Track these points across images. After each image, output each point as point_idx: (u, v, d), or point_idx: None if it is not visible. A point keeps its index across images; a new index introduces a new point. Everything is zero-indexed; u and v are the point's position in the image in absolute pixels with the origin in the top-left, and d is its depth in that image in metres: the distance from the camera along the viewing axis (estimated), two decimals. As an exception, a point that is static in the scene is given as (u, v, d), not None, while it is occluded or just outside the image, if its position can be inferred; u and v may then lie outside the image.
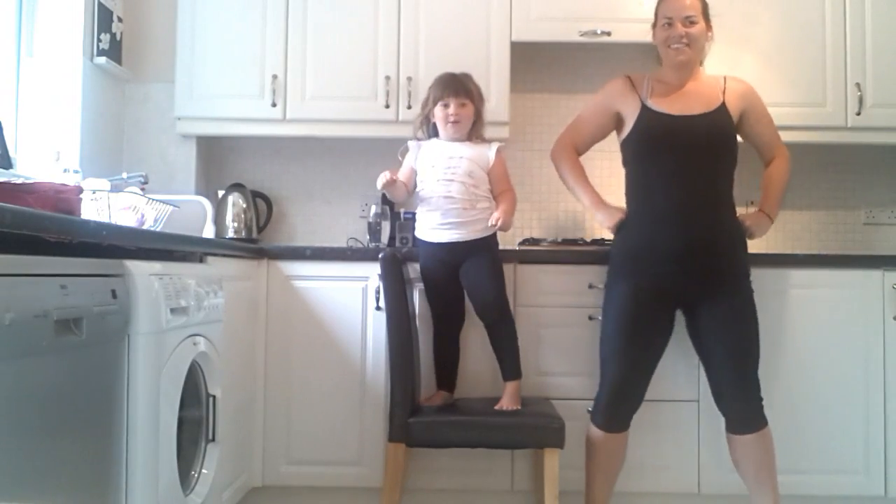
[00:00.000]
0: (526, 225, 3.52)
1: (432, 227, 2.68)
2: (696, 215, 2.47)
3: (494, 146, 2.72)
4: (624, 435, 2.56)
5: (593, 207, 2.69)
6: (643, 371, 2.53)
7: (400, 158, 2.79)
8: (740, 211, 2.61)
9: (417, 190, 2.74)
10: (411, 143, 2.77)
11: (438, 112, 2.69)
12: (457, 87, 2.69)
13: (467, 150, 2.69)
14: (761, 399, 2.50)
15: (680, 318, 2.60)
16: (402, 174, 2.74)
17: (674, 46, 2.51)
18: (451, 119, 2.67)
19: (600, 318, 2.65)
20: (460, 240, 2.65)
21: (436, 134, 2.76)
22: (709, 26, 2.56)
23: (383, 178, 2.62)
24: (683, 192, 2.47)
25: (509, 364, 2.66)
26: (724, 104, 2.54)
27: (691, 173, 2.48)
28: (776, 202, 2.69)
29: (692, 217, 2.47)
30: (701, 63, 2.64)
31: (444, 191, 2.65)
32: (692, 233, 2.46)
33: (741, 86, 2.62)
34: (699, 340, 2.56)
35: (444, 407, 2.65)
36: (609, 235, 3.00)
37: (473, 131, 2.73)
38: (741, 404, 2.49)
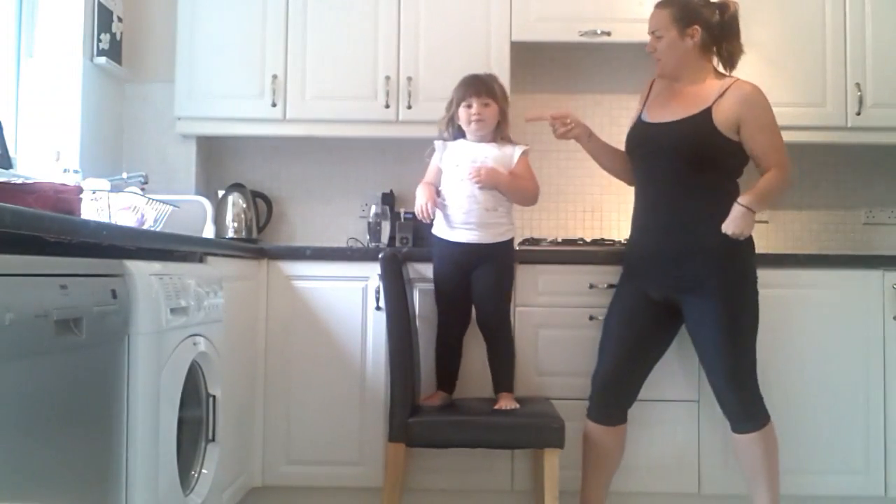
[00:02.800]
0: (526, 225, 3.51)
1: (452, 227, 2.67)
2: (660, 223, 2.51)
3: (520, 148, 2.71)
4: (620, 430, 2.58)
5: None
6: (635, 367, 2.56)
7: (427, 159, 2.76)
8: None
9: (440, 188, 2.72)
10: (438, 143, 2.75)
11: (462, 113, 2.68)
12: (479, 87, 2.68)
13: (492, 151, 2.69)
14: (758, 397, 2.51)
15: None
16: (429, 174, 2.75)
17: (654, 58, 2.56)
18: (474, 118, 2.66)
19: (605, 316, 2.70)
20: (478, 242, 2.64)
21: (461, 135, 2.75)
22: (688, 32, 2.50)
23: (422, 207, 2.65)
24: (651, 199, 2.54)
25: (501, 379, 2.68)
26: (709, 109, 2.46)
27: (662, 180, 2.51)
28: (756, 194, 2.45)
29: (655, 224, 2.52)
30: (729, 64, 2.58)
31: (468, 191, 2.64)
32: (656, 241, 2.51)
33: (744, 91, 2.48)
34: (693, 344, 2.59)
35: (444, 407, 2.65)
36: (609, 236, 3.02)
37: (498, 132, 2.72)
38: (734, 404, 2.51)
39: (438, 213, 2.71)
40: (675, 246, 2.49)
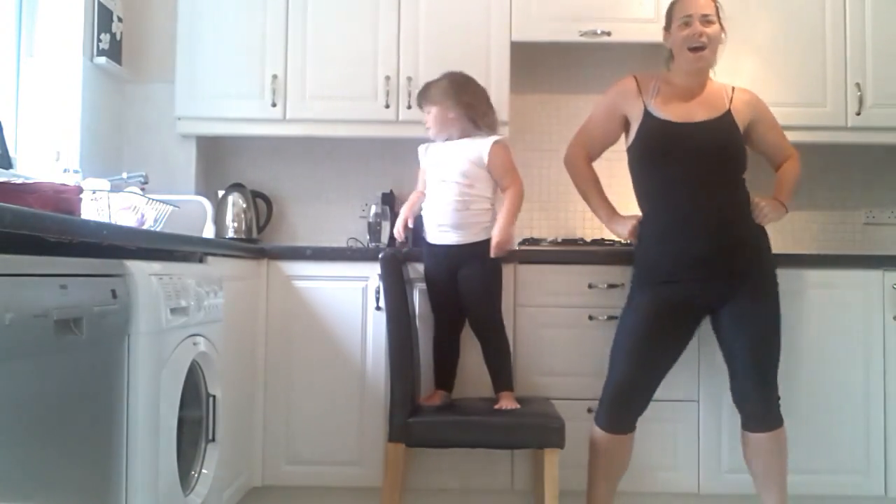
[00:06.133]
0: (526, 225, 3.51)
1: (432, 229, 2.71)
2: (706, 223, 2.46)
3: (490, 140, 2.69)
4: (628, 437, 2.54)
5: (609, 223, 2.70)
6: (652, 376, 2.52)
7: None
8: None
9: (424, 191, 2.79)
10: (420, 147, 2.81)
11: None
12: (419, 98, 2.79)
13: (462, 149, 2.70)
14: (778, 399, 2.51)
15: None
16: (420, 180, 2.83)
17: (692, 47, 2.47)
18: (426, 127, 2.76)
19: (618, 316, 2.62)
20: (456, 243, 2.66)
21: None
22: (723, 28, 2.53)
23: (399, 228, 2.80)
24: (691, 200, 2.46)
25: (499, 377, 2.68)
26: (729, 111, 2.52)
27: (697, 181, 2.46)
28: (789, 192, 2.64)
29: (701, 225, 2.46)
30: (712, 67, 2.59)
31: (441, 192, 2.68)
32: (703, 240, 2.45)
33: (747, 95, 2.60)
34: (722, 339, 2.56)
35: (444, 407, 2.65)
36: (609, 236, 3.01)
37: (468, 127, 2.71)
38: (759, 403, 2.49)
39: (424, 216, 2.75)
40: (724, 245, 2.47)
